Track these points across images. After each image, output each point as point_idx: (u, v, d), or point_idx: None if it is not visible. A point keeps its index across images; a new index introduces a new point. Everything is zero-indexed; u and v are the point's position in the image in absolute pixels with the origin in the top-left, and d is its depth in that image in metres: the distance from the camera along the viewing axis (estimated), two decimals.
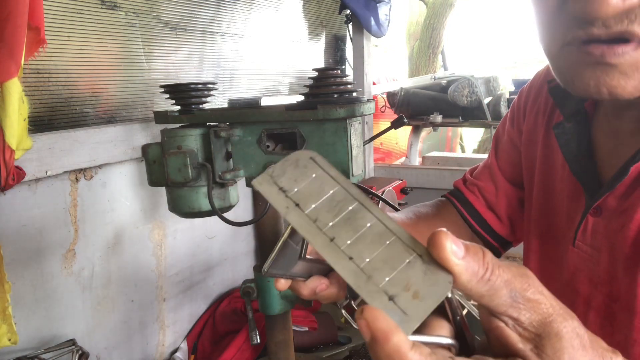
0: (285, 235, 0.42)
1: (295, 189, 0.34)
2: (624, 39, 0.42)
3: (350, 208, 0.34)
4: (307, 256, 0.43)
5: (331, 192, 0.34)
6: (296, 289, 0.45)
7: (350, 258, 0.31)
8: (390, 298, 0.30)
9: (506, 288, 0.31)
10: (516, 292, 0.31)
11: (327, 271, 0.46)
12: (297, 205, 0.33)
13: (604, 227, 0.58)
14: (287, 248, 0.42)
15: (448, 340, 0.32)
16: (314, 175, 0.35)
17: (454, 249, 0.30)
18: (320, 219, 0.33)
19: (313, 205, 0.34)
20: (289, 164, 0.36)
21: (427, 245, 0.31)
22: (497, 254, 0.84)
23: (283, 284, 0.44)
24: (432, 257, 0.31)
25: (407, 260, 0.31)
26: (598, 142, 0.62)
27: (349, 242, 0.32)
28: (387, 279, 0.31)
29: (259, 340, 0.97)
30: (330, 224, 0.33)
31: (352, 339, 1.46)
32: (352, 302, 0.44)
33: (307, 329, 1.40)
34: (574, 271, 0.63)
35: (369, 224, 0.33)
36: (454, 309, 0.34)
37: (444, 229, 0.31)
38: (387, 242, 0.32)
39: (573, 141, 0.62)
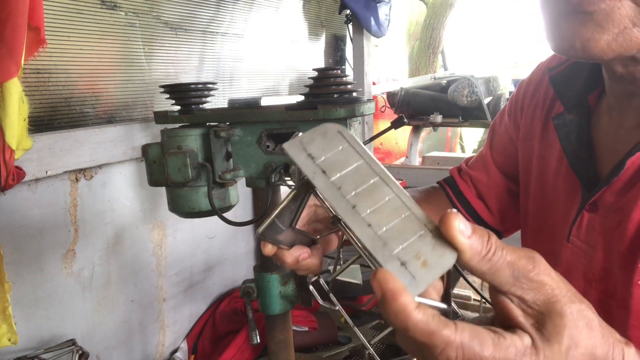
0: (286, 202, 0.45)
1: (323, 157, 0.37)
2: None
3: (372, 181, 0.37)
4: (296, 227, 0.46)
5: (355, 164, 0.37)
6: (280, 257, 0.47)
7: (369, 225, 0.34)
8: (402, 264, 0.33)
9: (509, 269, 0.33)
10: (519, 272, 0.33)
11: (309, 243, 0.49)
12: (323, 172, 0.36)
13: (599, 224, 0.58)
14: (281, 217, 0.45)
15: (444, 306, 0.36)
16: (340, 147, 0.38)
17: (462, 228, 0.33)
18: (344, 187, 0.36)
19: (338, 174, 0.36)
20: (317, 134, 0.38)
21: (438, 223, 0.34)
22: None
23: (270, 249, 0.46)
24: (441, 233, 0.34)
25: (419, 234, 0.35)
26: (597, 136, 0.61)
27: (368, 210, 0.35)
28: (400, 247, 0.34)
29: (259, 340, 0.96)
30: (353, 192, 0.36)
31: (352, 339, 1.46)
32: (320, 278, 0.48)
33: (307, 329, 1.40)
34: (567, 267, 0.63)
35: (387, 197, 0.36)
36: (450, 279, 0.37)
37: (455, 210, 0.34)
38: (403, 216, 0.35)
39: (573, 134, 0.62)
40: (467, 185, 0.85)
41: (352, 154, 0.38)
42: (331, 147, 0.38)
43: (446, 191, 0.86)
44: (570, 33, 0.46)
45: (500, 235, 0.86)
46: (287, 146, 0.37)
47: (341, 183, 0.36)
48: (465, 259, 0.33)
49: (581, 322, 0.33)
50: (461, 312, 0.38)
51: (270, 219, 0.44)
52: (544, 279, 0.33)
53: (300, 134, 0.39)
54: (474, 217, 0.83)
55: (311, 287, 0.48)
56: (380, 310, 0.33)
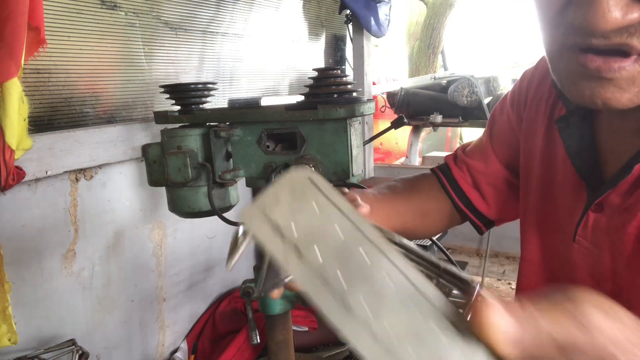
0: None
1: (293, 226, 0.29)
2: (622, 51, 0.42)
3: (362, 251, 0.28)
4: None
5: (336, 226, 0.29)
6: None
7: (375, 339, 0.26)
8: None
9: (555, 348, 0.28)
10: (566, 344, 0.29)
11: None
12: (297, 250, 0.28)
13: (605, 224, 0.58)
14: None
15: None
16: (314, 203, 0.30)
17: (505, 330, 0.27)
18: (328, 269, 0.28)
19: (317, 250, 0.28)
20: (283, 190, 0.30)
21: (472, 322, 0.28)
22: (479, 231, 0.85)
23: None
24: (469, 327, 0.27)
25: (444, 337, 0.26)
26: (601, 138, 0.62)
27: (368, 310, 0.26)
28: None
29: (259, 340, 0.96)
30: (340, 275, 0.27)
31: None
32: None
33: (307, 329, 1.40)
34: (574, 266, 0.63)
35: (387, 276, 0.27)
36: None
37: (489, 299, 0.28)
38: (413, 306, 0.27)
39: (576, 136, 0.62)
40: (462, 173, 0.83)
41: (330, 210, 0.29)
42: (302, 207, 0.29)
43: (439, 178, 0.85)
44: (590, 92, 0.46)
45: (492, 225, 0.85)
46: (247, 219, 0.29)
47: (323, 265, 0.27)
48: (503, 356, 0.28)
49: None
50: None
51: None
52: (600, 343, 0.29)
53: (264, 193, 0.30)
54: (468, 206, 0.82)
55: None
56: None
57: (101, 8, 1.14)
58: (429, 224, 0.84)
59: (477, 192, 0.82)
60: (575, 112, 0.62)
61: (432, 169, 0.88)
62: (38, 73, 1.03)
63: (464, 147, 0.87)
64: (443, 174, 0.85)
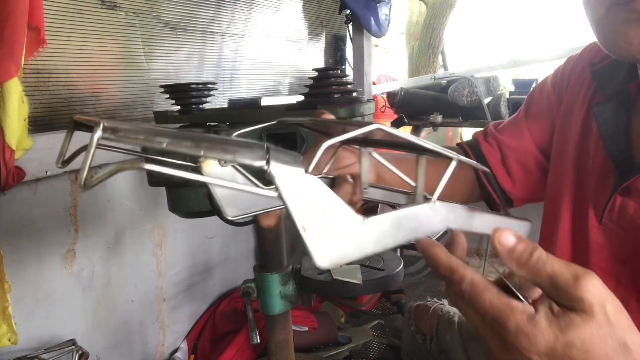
0: None
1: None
2: None
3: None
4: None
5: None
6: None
7: None
8: None
9: (548, 279, 0.34)
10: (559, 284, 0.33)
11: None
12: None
13: (632, 208, 0.59)
14: None
15: None
16: None
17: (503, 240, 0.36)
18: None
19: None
20: None
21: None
22: (497, 209, 0.83)
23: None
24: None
25: None
26: (635, 124, 0.63)
27: None
28: None
29: (259, 340, 0.96)
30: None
31: (352, 339, 1.46)
32: None
33: (307, 329, 1.40)
34: (597, 247, 0.64)
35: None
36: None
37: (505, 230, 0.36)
38: None
39: (611, 120, 0.63)
40: (492, 149, 0.82)
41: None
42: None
43: (467, 153, 0.83)
44: (638, 39, 0.49)
45: (510, 205, 0.84)
46: None
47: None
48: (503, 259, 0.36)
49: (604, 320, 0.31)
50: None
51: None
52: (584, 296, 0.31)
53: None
54: (492, 183, 0.81)
55: None
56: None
57: (101, 8, 1.14)
58: (447, 188, 0.82)
59: (503, 169, 0.81)
60: (613, 98, 0.63)
61: (458, 144, 0.87)
62: (38, 73, 1.03)
63: (496, 125, 0.86)
64: (470, 148, 0.84)
